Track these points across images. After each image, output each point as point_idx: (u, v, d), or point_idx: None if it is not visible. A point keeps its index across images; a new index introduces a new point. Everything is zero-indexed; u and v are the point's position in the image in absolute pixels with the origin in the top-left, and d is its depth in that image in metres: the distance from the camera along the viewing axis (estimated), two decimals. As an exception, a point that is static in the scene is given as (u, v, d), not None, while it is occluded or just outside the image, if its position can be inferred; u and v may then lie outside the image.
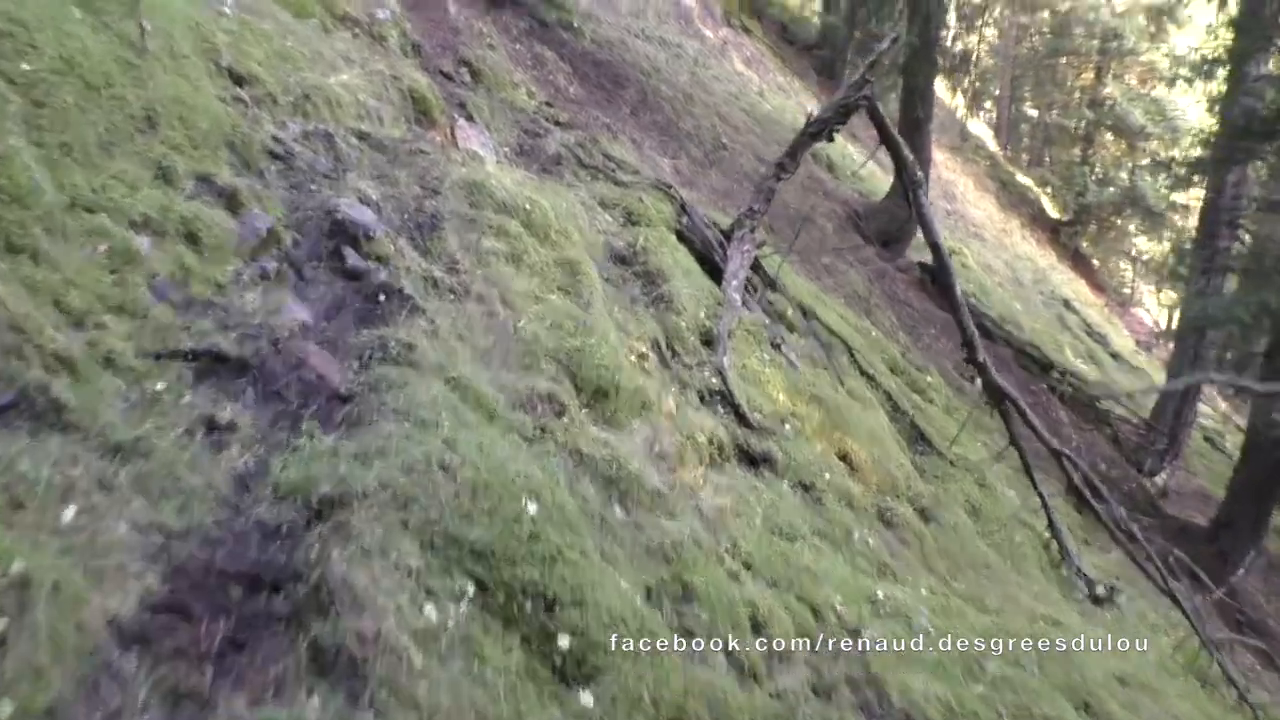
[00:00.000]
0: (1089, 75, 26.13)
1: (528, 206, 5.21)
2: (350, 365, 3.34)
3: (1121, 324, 25.72)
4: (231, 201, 3.68)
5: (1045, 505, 7.01)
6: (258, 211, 3.75)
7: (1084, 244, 27.01)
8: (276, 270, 3.67)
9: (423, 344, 3.61)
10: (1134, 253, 27.39)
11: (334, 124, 5.01)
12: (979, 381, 8.33)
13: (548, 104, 8.07)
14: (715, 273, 7.07)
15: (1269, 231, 12.39)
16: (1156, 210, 25.12)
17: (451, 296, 4.34)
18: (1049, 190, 29.07)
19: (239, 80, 4.53)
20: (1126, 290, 27.61)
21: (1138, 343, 25.02)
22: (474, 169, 5.39)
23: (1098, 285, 26.38)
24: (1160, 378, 22.88)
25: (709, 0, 19.83)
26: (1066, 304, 21.92)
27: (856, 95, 6.92)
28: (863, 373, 7.60)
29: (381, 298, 3.90)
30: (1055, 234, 26.55)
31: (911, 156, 6.92)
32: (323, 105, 5.02)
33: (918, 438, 7.47)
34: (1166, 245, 28.13)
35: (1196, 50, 22.75)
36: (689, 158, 10.13)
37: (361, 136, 5.18)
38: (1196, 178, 14.92)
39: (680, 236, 7.15)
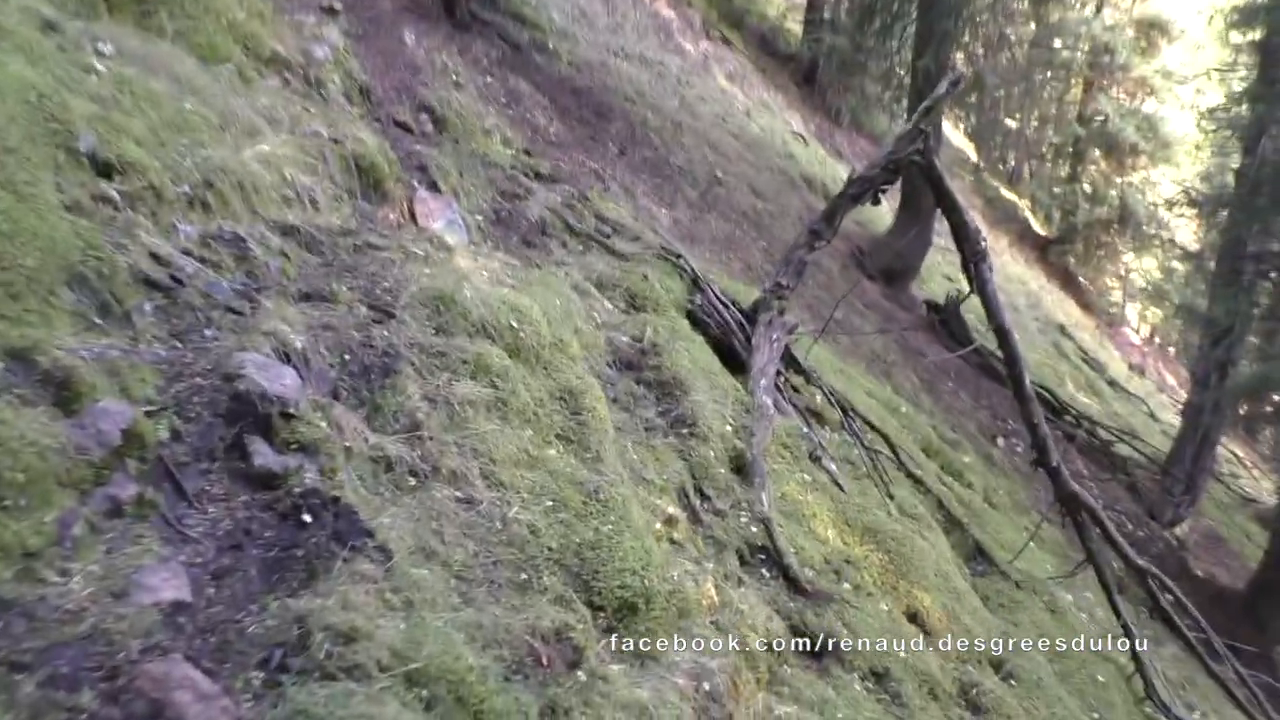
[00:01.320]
0: (1078, 90, 25.19)
1: (514, 322, 3.90)
2: (246, 696, 2.02)
3: (1113, 345, 24.84)
4: (63, 393, 2.35)
5: (1133, 644, 5.84)
6: (109, 403, 2.42)
7: (1072, 262, 26.11)
8: (136, 499, 2.35)
9: (370, 619, 2.30)
10: (1124, 271, 26.51)
11: (248, 220, 3.69)
12: (1038, 469, 7.16)
13: (526, 152, 6.78)
14: (736, 362, 5.82)
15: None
16: (1149, 230, 24.28)
17: (413, 483, 3.04)
18: (1035, 206, 28.18)
19: (105, 171, 3.19)
20: (1114, 309, 26.72)
21: (1130, 365, 24.14)
22: (440, 269, 4.08)
23: (1087, 305, 25.47)
24: (1155, 402, 22.02)
25: (688, 12, 18.61)
26: (1062, 329, 20.93)
27: (909, 149, 5.69)
28: (909, 474, 6.37)
29: (307, 519, 2.58)
30: (1043, 252, 25.62)
31: (975, 224, 5.70)
32: (232, 193, 3.69)
33: (976, 552, 6.25)
34: (1154, 265, 27.39)
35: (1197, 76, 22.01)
36: (685, 201, 8.87)
37: (287, 233, 3.85)
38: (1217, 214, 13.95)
39: (693, 319, 5.89)
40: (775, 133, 16.36)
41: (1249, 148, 13.38)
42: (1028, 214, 28.07)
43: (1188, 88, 25.92)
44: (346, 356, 3.30)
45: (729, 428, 5.02)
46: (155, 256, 3.10)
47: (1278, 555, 11.41)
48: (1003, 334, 5.83)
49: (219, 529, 2.48)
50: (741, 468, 4.76)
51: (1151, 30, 23.98)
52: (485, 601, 2.81)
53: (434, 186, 5.12)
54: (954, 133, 29.95)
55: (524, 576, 2.99)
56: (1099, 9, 24.77)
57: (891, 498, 5.72)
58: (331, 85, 5.27)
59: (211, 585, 2.30)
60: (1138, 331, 28.67)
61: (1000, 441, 10.65)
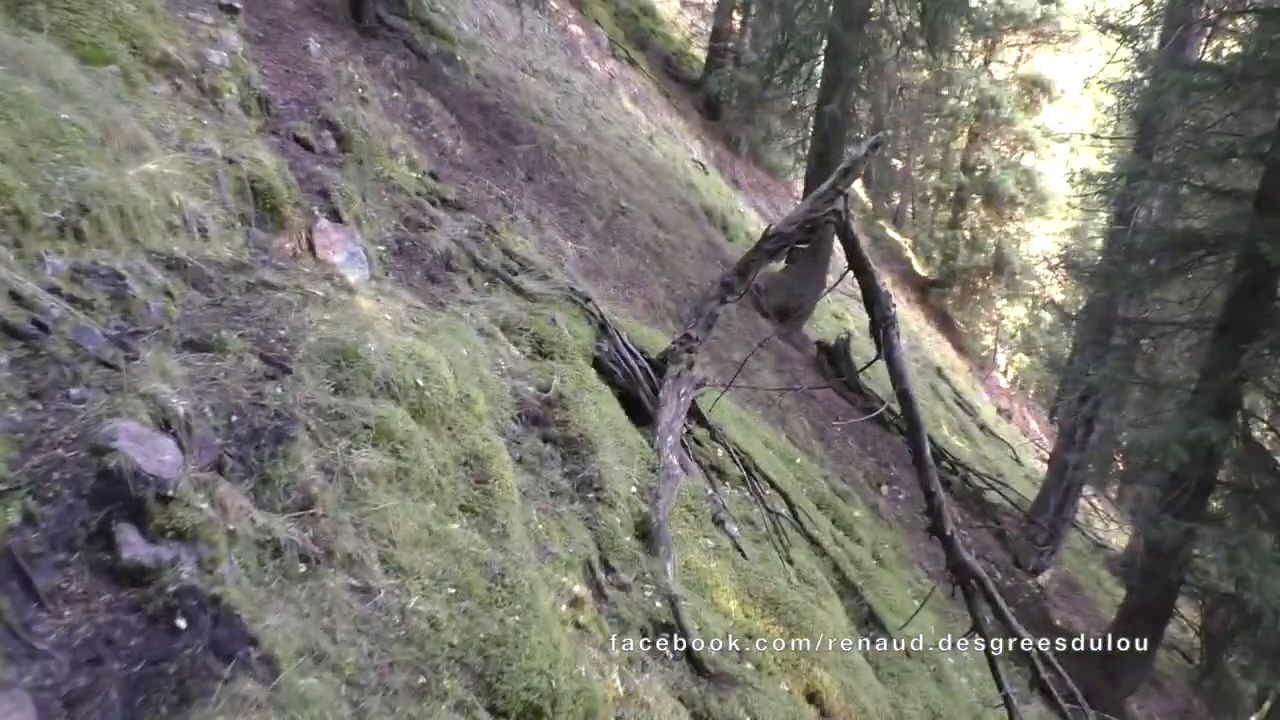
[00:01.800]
0: (963, 139, 26.13)
1: (419, 380, 3.61)
2: None
3: (983, 389, 25.76)
4: (-112, 480, 1.97)
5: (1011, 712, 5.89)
6: (-54, 489, 2.05)
7: (949, 305, 27.01)
8: (-25, 607, 1.99)
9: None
10: (996, 318, 27.57)
11: (127, 251, 3.30)
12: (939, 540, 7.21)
13: (432, 175, 6.43)
14: (642, 415, 5.64)
15: (1194, 355, 11.92)
16: (1021, 280, 25.33)
17: (304, 570, 2.73)
18: (917, 248, 29.08)
19: (-40, 193, 2.78)
20: (985, 354, 27.76)
21: (999, 409, 25.08)
22: (342, 314, 3.75)
23: (961, 348, 26.37)
24: (1020, 445, 22.89)
25: (595, 30, 18.46)
26: (939, 372, 21.55)
27: (826, 210, 5.63)
28: (806, 535, 6.30)
29: (181, 625, 2.25)
30: (923, 294, 26.42)
31: (885, 289, 5.67)
32: (110, 219, 3.30)
33: (869, 617, 6.22)
34: (1024, 313, 28.58)
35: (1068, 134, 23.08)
36: (590, 232, 8.65)
37: (172, 267, 3.47)
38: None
39: (600, 368, 5.67)
40: (677, 160, 16.34)
41: (1122, 214, 14.04)
42: (910, 255, 28.96)
43: (1063, 146, 27.27)
44: (234, 418, 2.95)
45: (634, 488, 4.83)
46: (16, 296, 2.71)
47: (1131, 610, 11.87)
48: (906, 399, 5.81)
49: (76, 637, 2.13)
50: (647, 534, 4.56)
51: (1035, 88, 25.07)
52: (380, 713, 2.52)
53: (335, 215, 4.75)
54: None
55: (422, 680, 2.72)
56: (987, 63, 25.79)
57: (791, 562, 5.62)
58: (228, 95, 4.84)
59: (63, 715, 1.96)
60: (1005, 375, 29.87)
61: (884, 490, 10.78)
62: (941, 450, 14.30)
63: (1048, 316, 28.82)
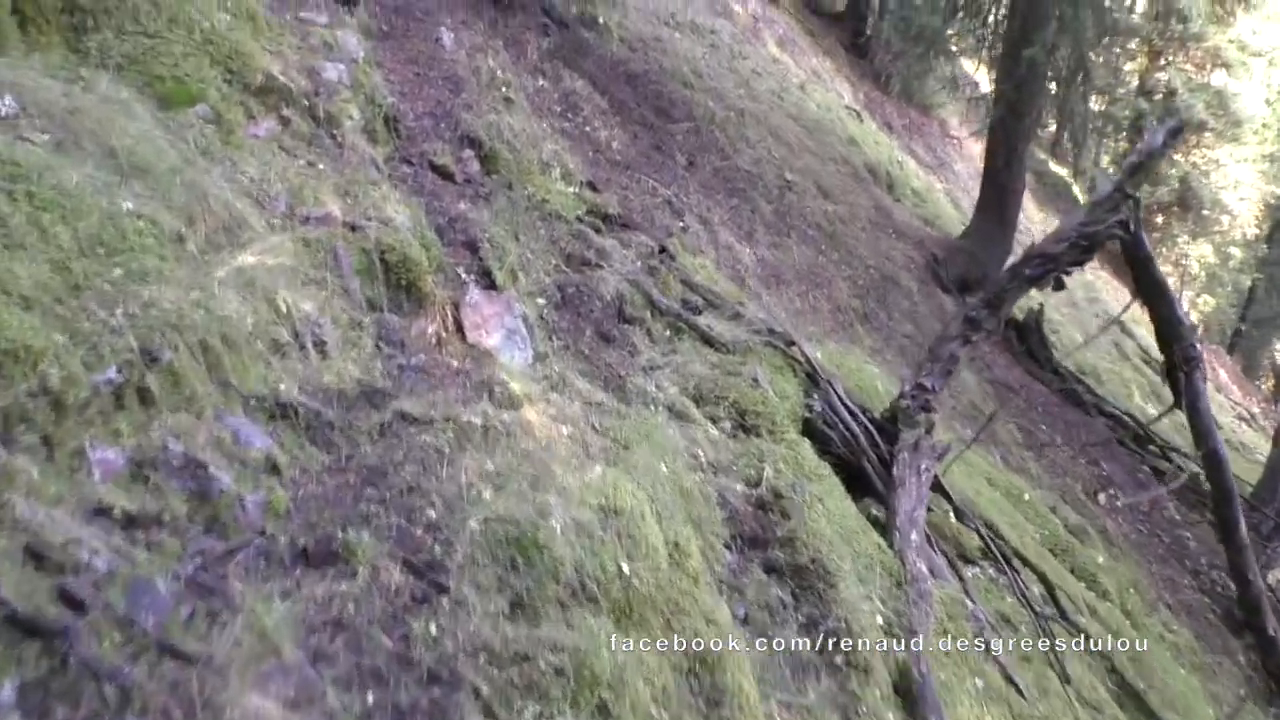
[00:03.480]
0: (1143, 60, 23.33)
1: (623, 564, 2.54)
2: None
3: (1165, 338, 23.37)
4: None
5: None
6: None
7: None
8: None
9: None
10: (1179, 258, 24.92)
11: (214, 406, 2.31)
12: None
13: (591, 185, 5.32)
14: (867, 489, 4.48)
15: None
16: (1211, 214, 22.70)
17: None
18: (1080, 181, 26.49)
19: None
20: (1167, 297, 25.19)
21: (1186, 362, 22.69)
22: (508, 454, 2.70)
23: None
24: (1217, 405, 20.60)
25: (734, -35, 16.89)
26: (1121, 326, 19.45)
27: (1108, 221, 4.26)
28: (1070, 623, 5.03)
29: None
30: (1095, 235, 24.01)
31: (1189, 321, 4.28)
32: (190, 362, 2.31)
33: (1150, 727, 4.94)
34: (1210, 250, 25.82)
35: None
36: (762, 223, 7.41)
37: (278, 415, 2.47)
38: None
39: (812, 432, 4.52)
40: (832, 110, 14.82)
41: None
42: (1076, 192, 26.40)
43: (1260, 61, 24.19)
44: (371, 696, 1.94)
45: (880, 618, 3.69)
46: (36, 556, 1.74)
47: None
48: (1215, 462, 4.52)
49: None
50: (909, 691, 3.43)
51: (1231, -3, 22.04)
52: None
53: (486, 273, 3.70)
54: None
55: None
56: (1171, -28, 22.85)
57: (1068, 681, 4.39)
58: (347, 121, 3.81)
59: None
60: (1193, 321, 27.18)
61: (1103, 499, 9.31)
62: (1150, 433, 12.56)
63: (1237, 253, 25.95)
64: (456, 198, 4.11)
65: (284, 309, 2.71)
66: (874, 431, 4.55)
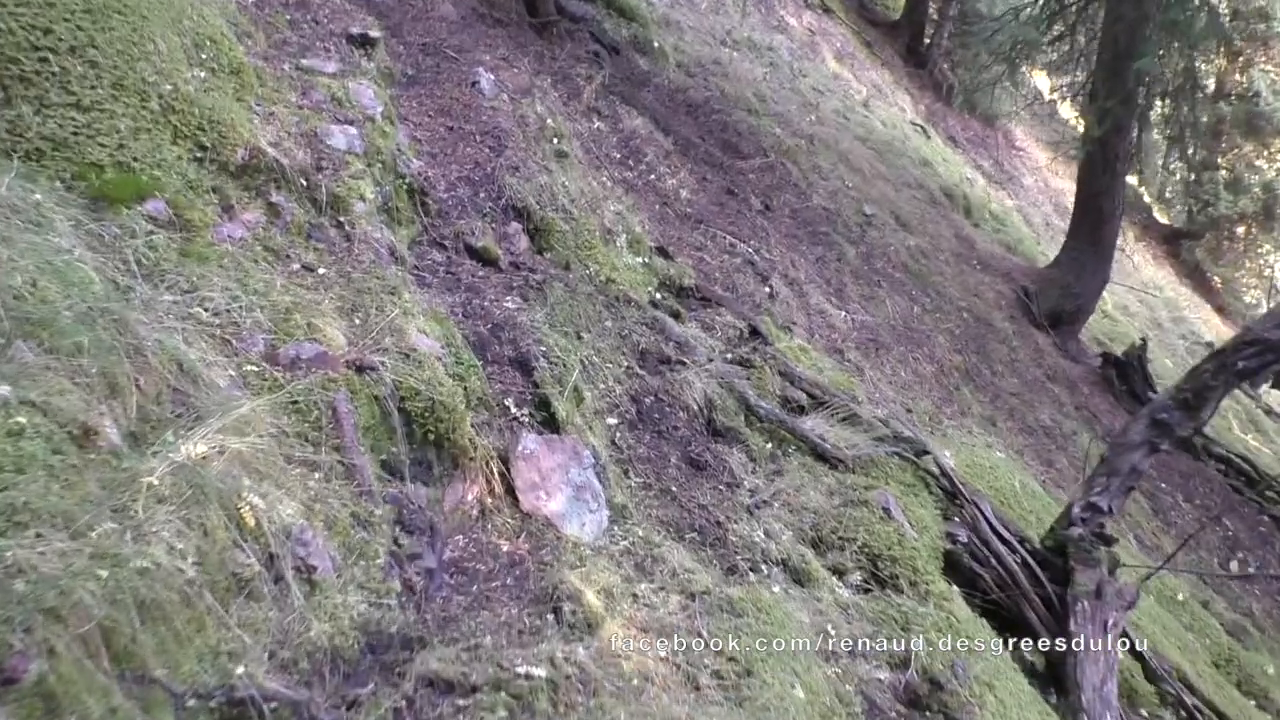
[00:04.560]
0: (1221, 61, 21.94)
1: None
2: None
3: (1252, 355, 21.90)
4: None
5: None
6: None
7: (1200, 257, 23.14)
8: None
9: None
10: (1264, 270, 23.42)
11: (122, 713, 1.40)
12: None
13: (662, 252, 4.40)
14: (1022, 625, 3.49)
15: None
16: (1300, 223, 21.23)
17: None
18: (1150, 189, 25.11)
19: None
20: (1249, 314, 23.69)
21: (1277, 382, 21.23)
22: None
23: (1222, 309, 22.56)
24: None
25: (786, -24, 15.97)
26: (1210, 347, 18.13)
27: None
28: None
29: None
30: (1171, 246, 22.69)
31: None
32: (80, 649, 1.40)
33: None
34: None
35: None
36: (850, 273, 6.44)
37: (230, 733, 1.56)
38: None
39: (953, 566, 3.54)
40: (898, 127, 13.85)
41: None
42: (1148, 201, 25.01)
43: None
44: None
45: None
46: None
47: None
48: None
49: None
50: None
51: (1318, -5, 20.65)
52: None
53: (543, 405, 2.77)
54: (1066, 107, 26.87)
55: None
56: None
57: None
58: (358, 204, 2.92)
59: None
60: (1274, 336, 25.58)
61: (1235, 565, 8.18)
62: (1263, 473, 11.33)
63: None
64: (502, 292, 3.20)
65: (251, 522, 1.81)
66: (1032, 561, 3.56)
